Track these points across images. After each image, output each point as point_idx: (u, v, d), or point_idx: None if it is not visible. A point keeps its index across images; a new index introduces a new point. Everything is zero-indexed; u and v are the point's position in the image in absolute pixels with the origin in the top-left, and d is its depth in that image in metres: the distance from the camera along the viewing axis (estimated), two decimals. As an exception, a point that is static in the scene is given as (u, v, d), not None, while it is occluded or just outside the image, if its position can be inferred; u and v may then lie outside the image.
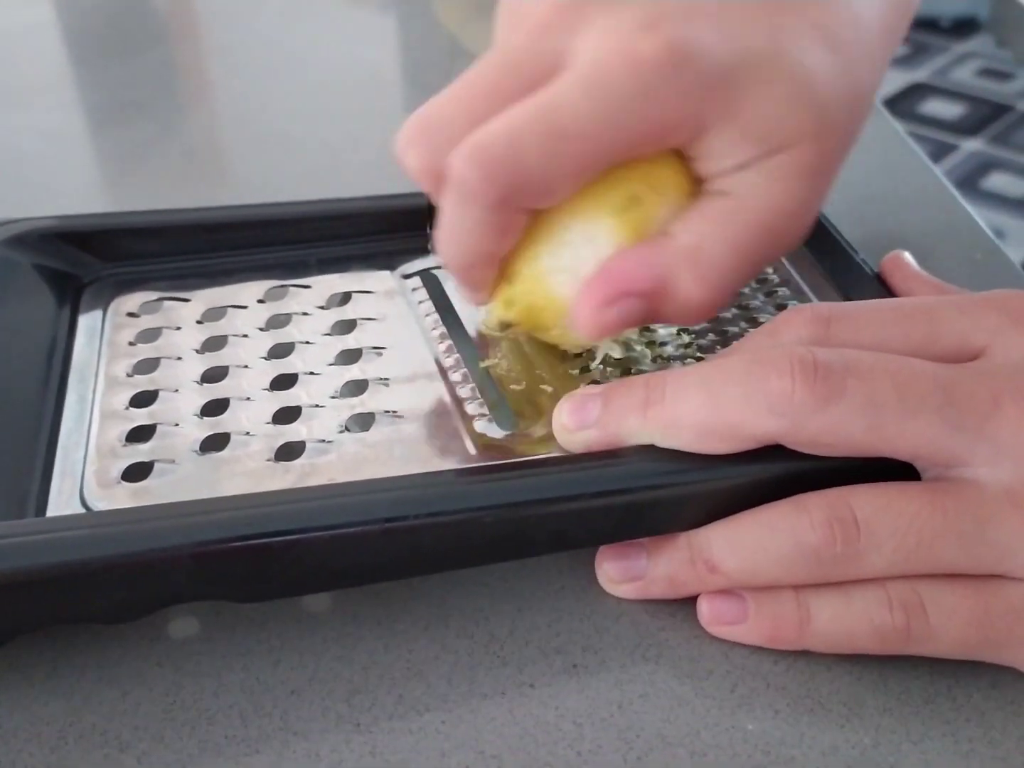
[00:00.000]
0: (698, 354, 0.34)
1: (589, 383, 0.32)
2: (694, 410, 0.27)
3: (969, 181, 1.79)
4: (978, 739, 0.26)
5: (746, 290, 0.37)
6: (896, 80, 2.08)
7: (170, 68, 0.63)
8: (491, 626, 0.29)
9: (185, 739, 0.26)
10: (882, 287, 0.35)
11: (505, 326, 0.31)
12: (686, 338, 0.34)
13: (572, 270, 0.29)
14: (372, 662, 0.28)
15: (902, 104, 2.03)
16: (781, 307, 0.36)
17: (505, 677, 0.27)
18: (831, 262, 0.38)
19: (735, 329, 0.35)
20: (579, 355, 0.33)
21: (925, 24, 2.24)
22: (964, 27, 2.28)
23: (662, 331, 0.35)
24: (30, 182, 0.50)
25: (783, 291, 0.37)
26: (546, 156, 0.27)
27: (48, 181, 0.50)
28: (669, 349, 0.34)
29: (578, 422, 0.28)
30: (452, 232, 0.29)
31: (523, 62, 0.29)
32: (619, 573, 0.29)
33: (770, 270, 0.38)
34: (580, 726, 0.26)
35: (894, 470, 0.27)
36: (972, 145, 1.91)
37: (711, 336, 0.35)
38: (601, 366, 0.33)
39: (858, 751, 0.26)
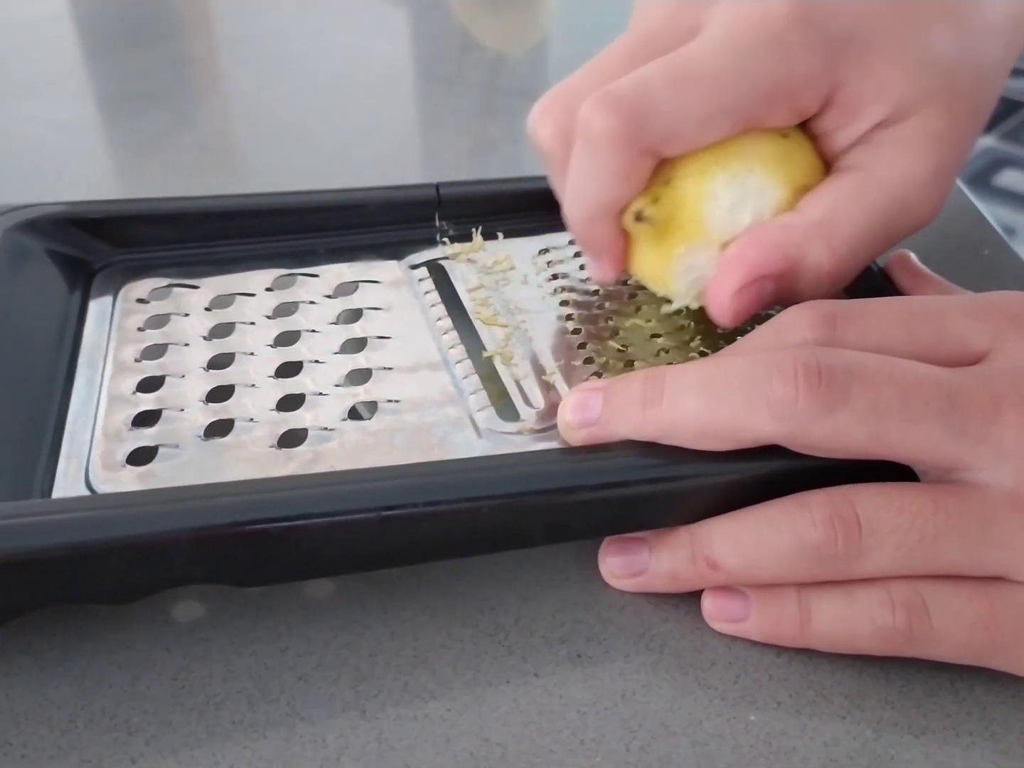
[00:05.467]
0: (701, 348, 0.34)
1: (591, 375, 0.33)
2: (693, 414, 0.27)
3: (981, 178, 1.78)
4: (979, 732, 0.26)
5: None
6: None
7: (183, 59, 0.63)
8: (496, 615, 0.29)
9: (193, 723, 0.26)
10: (887, 285, 0.35)
11: (637, 217, 0.30)
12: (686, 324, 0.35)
13: (733, 208, 0.30)
14: (378, 649, 0.28)
15: (915, 100, 2.01)
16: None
17: (510, 666, 0.28)
18: None
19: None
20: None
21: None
22: (978, 23, 2.26)
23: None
24: (44, 172, 0.50)
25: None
26: (673, 94, 0.28)
27: (61, 171, 0.50)
28: (670, 343, 0.34)
29: (580, 420, 0.29)
30: (577, 181, 0.30)
31: (657, 34, 0.30)
32: (621, 568, 0.29)
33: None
34: (584, 715, 0.26)
35: (896, 465, 0.27)
36: (984, 142, 1.89)
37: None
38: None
39: (859, 743, 0.26)
